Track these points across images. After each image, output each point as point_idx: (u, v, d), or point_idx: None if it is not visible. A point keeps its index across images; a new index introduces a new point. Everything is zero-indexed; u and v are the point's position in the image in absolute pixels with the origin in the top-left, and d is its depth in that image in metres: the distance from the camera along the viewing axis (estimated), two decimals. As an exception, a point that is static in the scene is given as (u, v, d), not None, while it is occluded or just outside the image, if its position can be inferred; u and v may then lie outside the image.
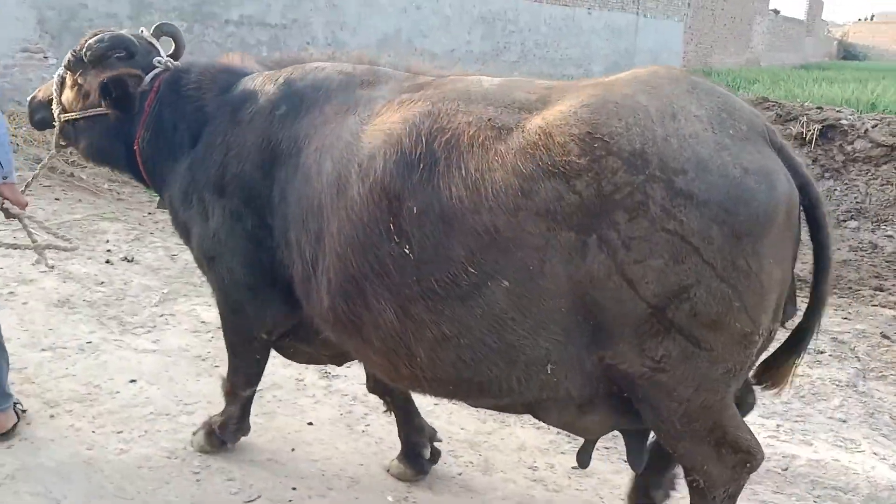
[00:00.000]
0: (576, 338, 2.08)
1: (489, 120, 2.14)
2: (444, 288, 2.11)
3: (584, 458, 2.62)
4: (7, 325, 3.83)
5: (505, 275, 2.04)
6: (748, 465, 2.23)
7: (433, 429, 3.25)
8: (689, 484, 2.33)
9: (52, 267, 3.99)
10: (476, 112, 2.17)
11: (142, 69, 3.01)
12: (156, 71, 3.03)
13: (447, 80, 2.46)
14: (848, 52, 52.89)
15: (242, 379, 3.14)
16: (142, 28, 3.19)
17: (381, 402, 3.22)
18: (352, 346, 2.50)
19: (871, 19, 57.96)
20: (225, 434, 3.22)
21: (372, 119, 2.37)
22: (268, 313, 2.82)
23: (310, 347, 2.95)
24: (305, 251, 2.44)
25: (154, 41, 3.14)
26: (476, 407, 2.87)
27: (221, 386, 3.21)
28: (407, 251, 2.15)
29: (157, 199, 3.24)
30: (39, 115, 3.30)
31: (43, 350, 4.07)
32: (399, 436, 3.19)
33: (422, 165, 2.15)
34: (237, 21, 11.75)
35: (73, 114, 3.09)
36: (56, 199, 7.21)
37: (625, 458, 2.68)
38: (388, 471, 3.19)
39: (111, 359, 4.04)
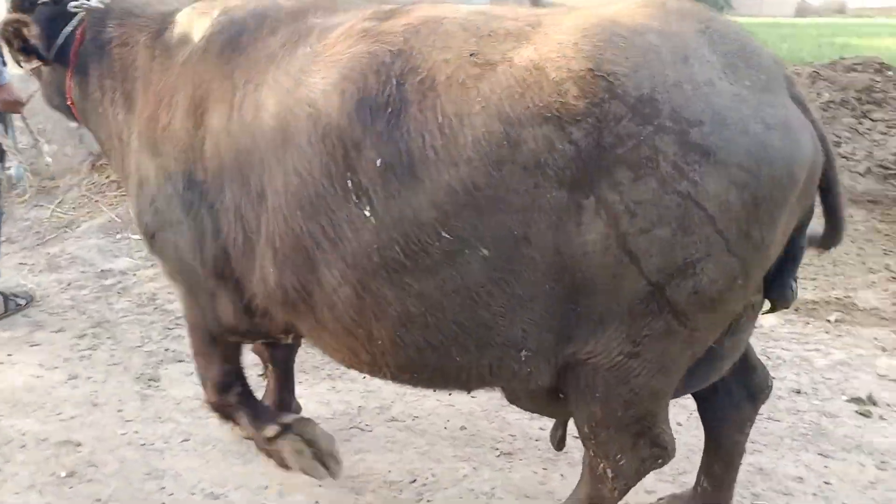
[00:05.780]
0: (555, 325, 1.82)
1: (471, 55, 1.79)
2: (411, 258, 1.81)
3: (557, 440, 2.41)
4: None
5: (483, 241, 1.74)
6: (660, 460, 2.05)
7: (299, 405, 3.05)
8: (591, 470, 2.09)
9: (49, 164, 3.61)
10: (455, 46, 1.82)
11: (68, 16, 2.60)
12: (79, 17, 2.60)
13: (419, 6, 2.04)
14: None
15: (212, 383, 2.60)
16: None
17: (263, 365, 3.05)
18: (305, 328, 2.15)
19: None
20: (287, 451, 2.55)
21: (327, 50, 1.98)
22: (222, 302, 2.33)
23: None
24: (247, 214, 2.07)
25: None
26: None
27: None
28: (367, 213, 1.82)
29: None
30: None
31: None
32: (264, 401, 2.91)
33: (390, 109, 1.81)
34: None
35: (30, 65, 2.72)
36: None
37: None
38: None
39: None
